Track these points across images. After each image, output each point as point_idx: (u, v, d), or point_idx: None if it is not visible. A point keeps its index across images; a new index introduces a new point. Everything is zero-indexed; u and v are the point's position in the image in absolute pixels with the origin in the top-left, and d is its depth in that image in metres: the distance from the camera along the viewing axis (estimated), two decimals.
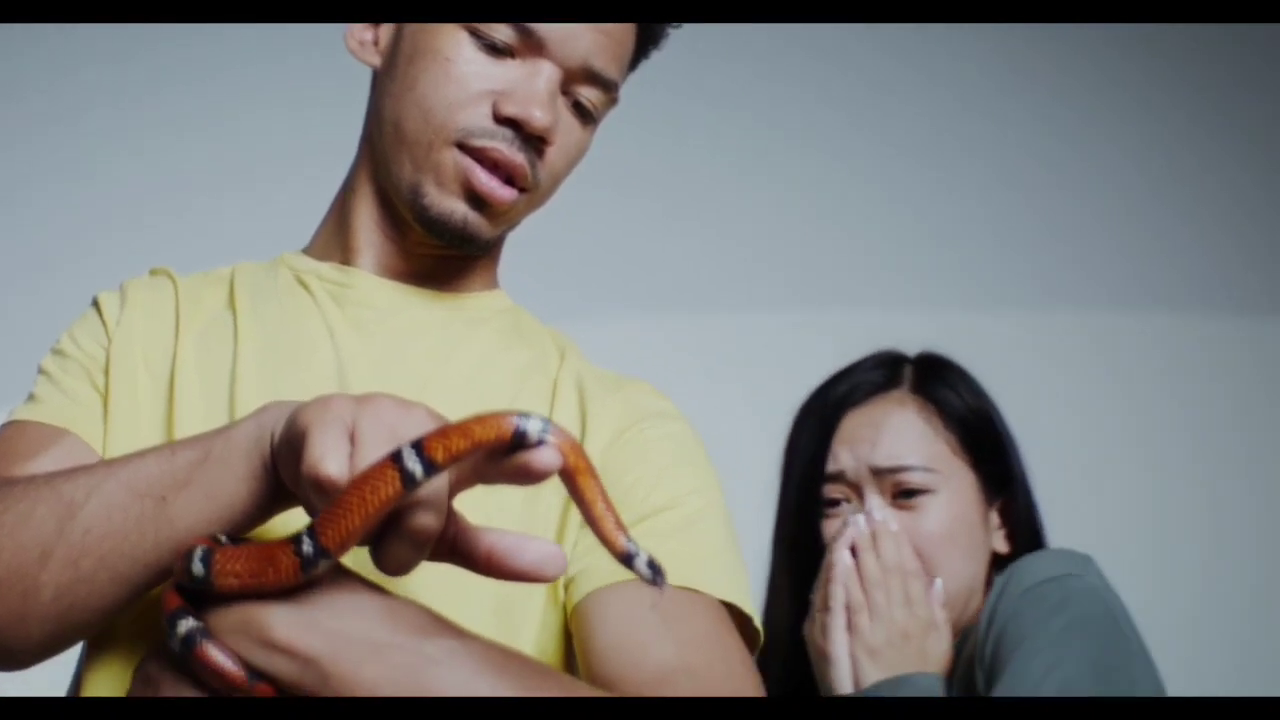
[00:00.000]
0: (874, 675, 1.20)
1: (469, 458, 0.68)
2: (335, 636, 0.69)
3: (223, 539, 0.73)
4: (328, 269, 0.98)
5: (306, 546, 0.68)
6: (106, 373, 0.91)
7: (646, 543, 0.78)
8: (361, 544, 0.69)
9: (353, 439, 0.68)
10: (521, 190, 0.95)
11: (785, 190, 2.43)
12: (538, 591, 0.88)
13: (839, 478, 1.30)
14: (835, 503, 1.30)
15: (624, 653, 0.82)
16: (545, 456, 0.68)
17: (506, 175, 0.94)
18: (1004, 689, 1.10)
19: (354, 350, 0.93)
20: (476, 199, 0.94)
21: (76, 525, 0.75)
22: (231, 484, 0.74)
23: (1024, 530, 1.31)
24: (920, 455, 1.28)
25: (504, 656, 0.73)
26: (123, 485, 0.75)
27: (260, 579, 0.69)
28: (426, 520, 0.68)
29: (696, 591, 0.85)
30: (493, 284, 1.04)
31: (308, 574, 0.68)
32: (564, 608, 0.88)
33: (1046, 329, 2.45)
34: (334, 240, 1.01)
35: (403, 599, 0.73)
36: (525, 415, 0.68)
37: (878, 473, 1.28)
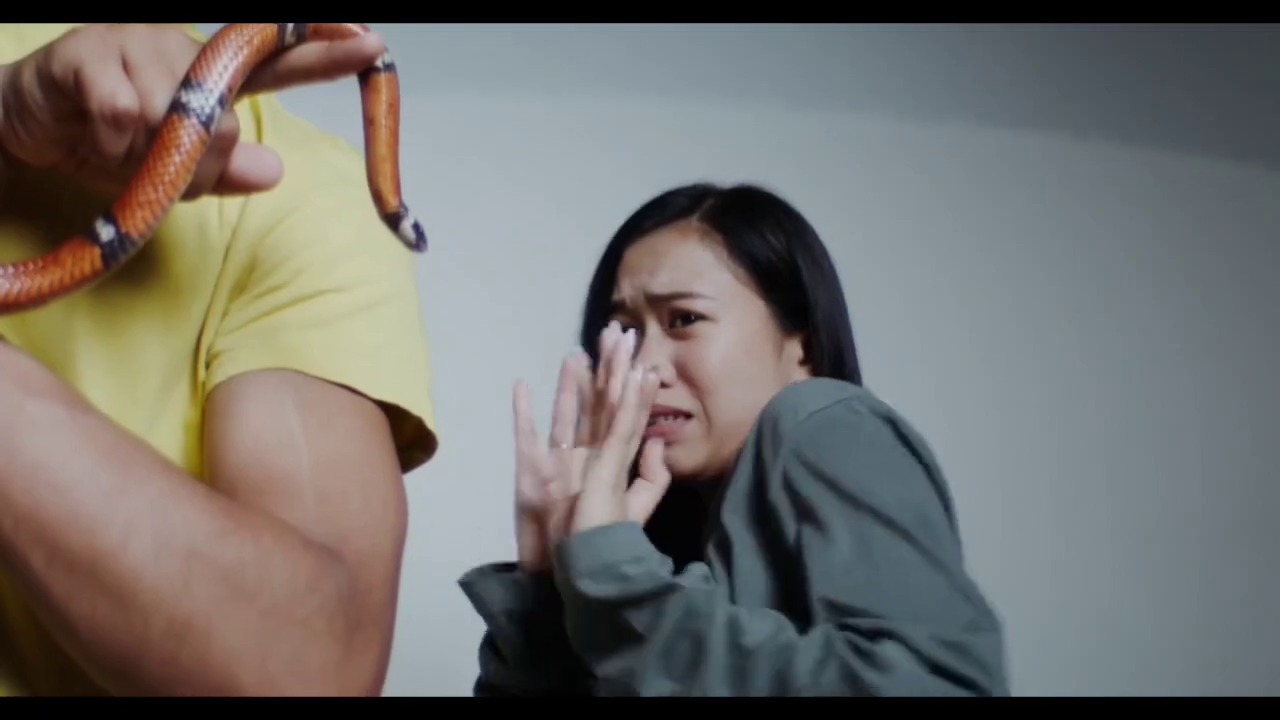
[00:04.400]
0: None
1: (326, 37, 0.68)
2: None
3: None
4: None
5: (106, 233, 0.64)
6: None
7: (303, 331, 0.76)
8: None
9: (126, 68, 0.63)
10: None
11: None
12: (181, 377, 0.77)
13: (620, 307, 1.28)
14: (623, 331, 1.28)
15: (252, 455, 0.72)
16: (372, 44, 0.68)
17: None
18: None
19: (10, 58, 0.77)
20: None
21: None
22: None
23: (827, 363, 1.27)
24: (699, 283, 1.24)
25: (115, 438, 0.65)
26: None
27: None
28: (232, 122, 0.66)
29: (353, 390, 0.75)
30: None
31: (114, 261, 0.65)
32: (204, 387, 0.77)
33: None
34: None
35: (18, 350, 0.66)
36: (384, 50, 0.69)
37: (654, 300, 1.25)
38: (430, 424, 0.81)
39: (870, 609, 1.01)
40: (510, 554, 1.27)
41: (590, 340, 1.29)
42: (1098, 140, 2.54)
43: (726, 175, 2.21)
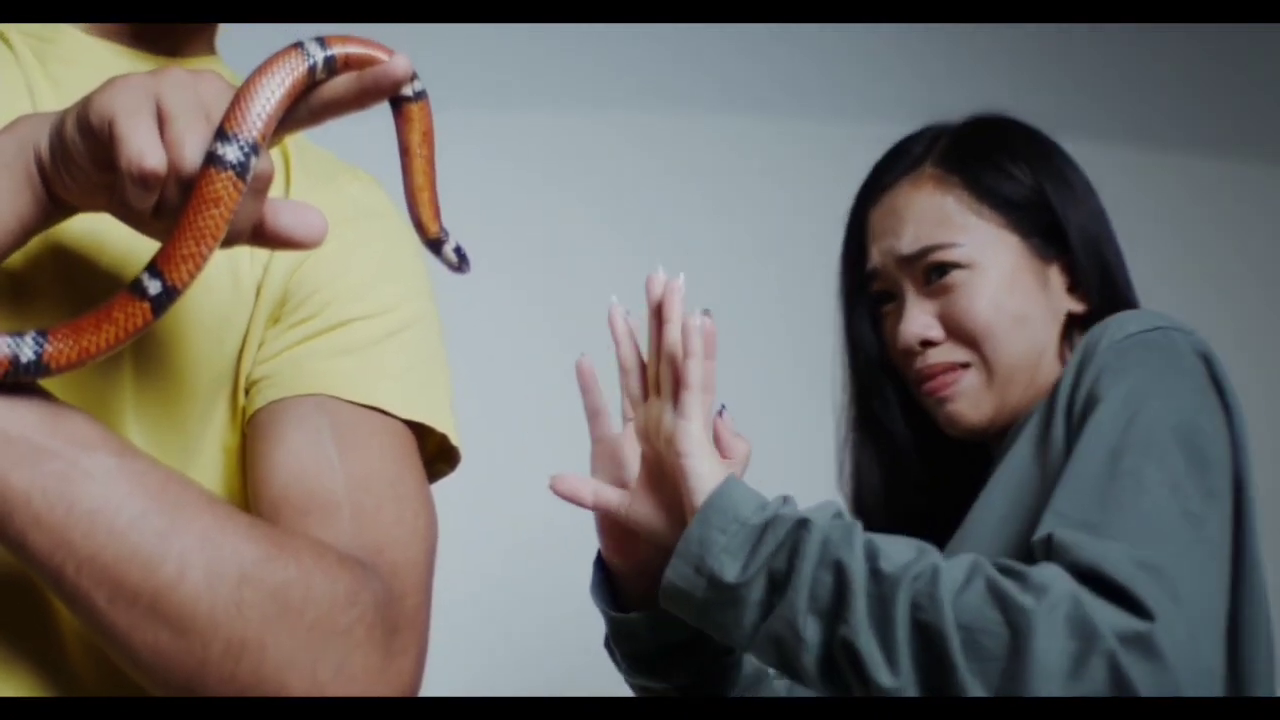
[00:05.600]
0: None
1: (355, 66, 0.69)
2: None
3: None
4: (33, 24, 0.88)
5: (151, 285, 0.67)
6: None
7: (335, 358, 0.81)
8: None
9: (160, 117, 0.66)
10: None
11: None
12: (219, 404, 0.83)
13: (875, 275, 1.22)
14: (890, 298, 1.22)
15: (293, 477, 0.77)
16: (400, 66, 0.68)
17: None
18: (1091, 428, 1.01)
19: (52, 109, 0.80)
20: None
21: None
22: None
23: (1094, 284, 1.18)
24: (944, 232, 1.17)
25: (163, 480, 0.70)
26: None
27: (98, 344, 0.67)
28: (267, 164, 0.68)
29: (382, 412, 0.81)
30: (210, 50, 0.94)
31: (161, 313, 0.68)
32: (243, 413, 0.82)
33: None
34: None
35: (69, 406, 0.71)
36: (412, 72, 0.70)
37: (904, 261, 1.18)
38: (454, 439, 0.86)
39: (1089, 520, 0.95)
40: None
41: (850, 315, 1.25)
42: (1116, 145, 2.54)
43: (757, 186, 2.22)
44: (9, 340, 0.67)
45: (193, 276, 0.67)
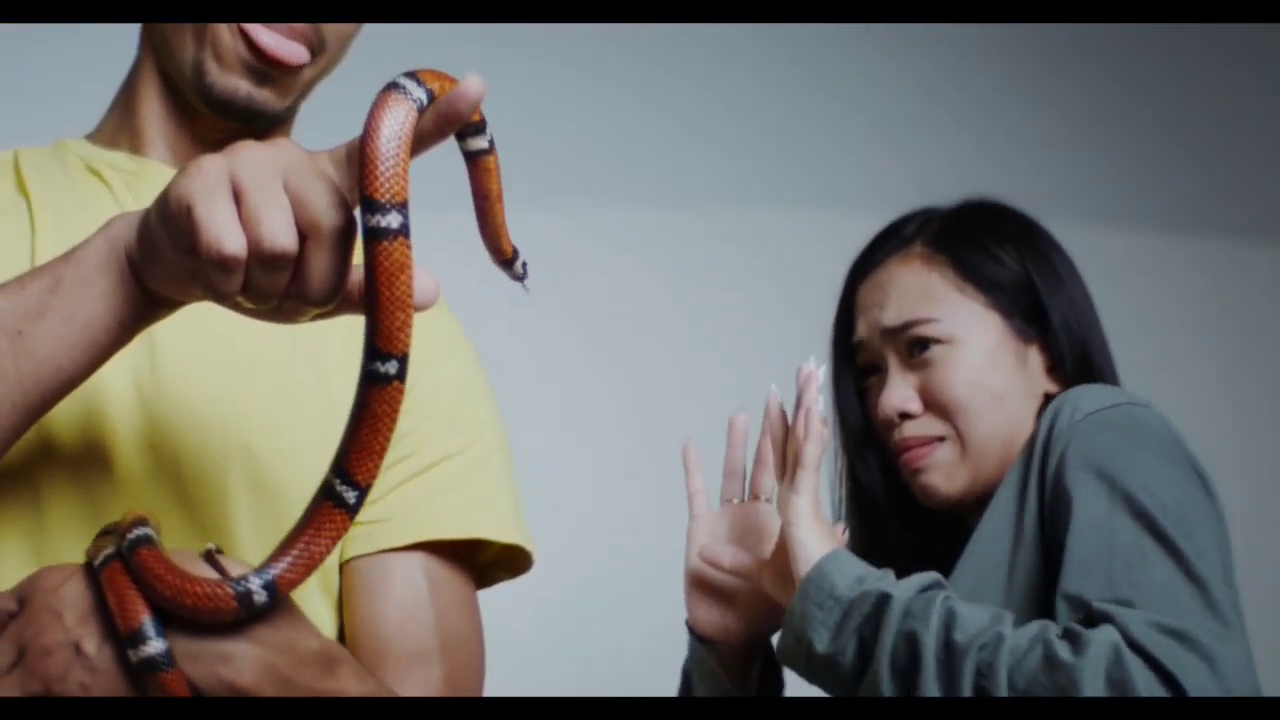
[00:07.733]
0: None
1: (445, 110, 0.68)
2: (285, 685, 0.74)
3: (211, 547, 0.76)
4: (119, 158, 0.94)
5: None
6: None
7: (434, 498, 0.89)
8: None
9: (237, 194, 0.65)
10: (310, 49, 0.91)
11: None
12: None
13: (861, 347, 1.26)
14: (876, 370, 1.26)
15: (396, 631, 0.87)
16: (474, 86, 0.67)
17: (289, 34, 0.90)
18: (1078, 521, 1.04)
19: None
20: (260, 72, 0.90)
21: None
22: (89, 303, 0.72)
23: (1072, 368, 1.21)
24: (927, 307, 1.21)
25: (375, 693, 0.80)
26: None
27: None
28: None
29: (481, 541, 0.91)
30: None
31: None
32: (341, 550, 0.90)
33: None
34: (122, 129, 0.96)
35: (332, 642, 0.80)
36: (484, 90, 0.68)
37: (888, 334, 1.22)
38: (534, 555, 0.95)
39: (1099, 597, 0.99)
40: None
41: (838, 385, 1.30)
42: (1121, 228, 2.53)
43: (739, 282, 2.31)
44: (335, 489, 0.71)
45: (410, 339, 0.68)
